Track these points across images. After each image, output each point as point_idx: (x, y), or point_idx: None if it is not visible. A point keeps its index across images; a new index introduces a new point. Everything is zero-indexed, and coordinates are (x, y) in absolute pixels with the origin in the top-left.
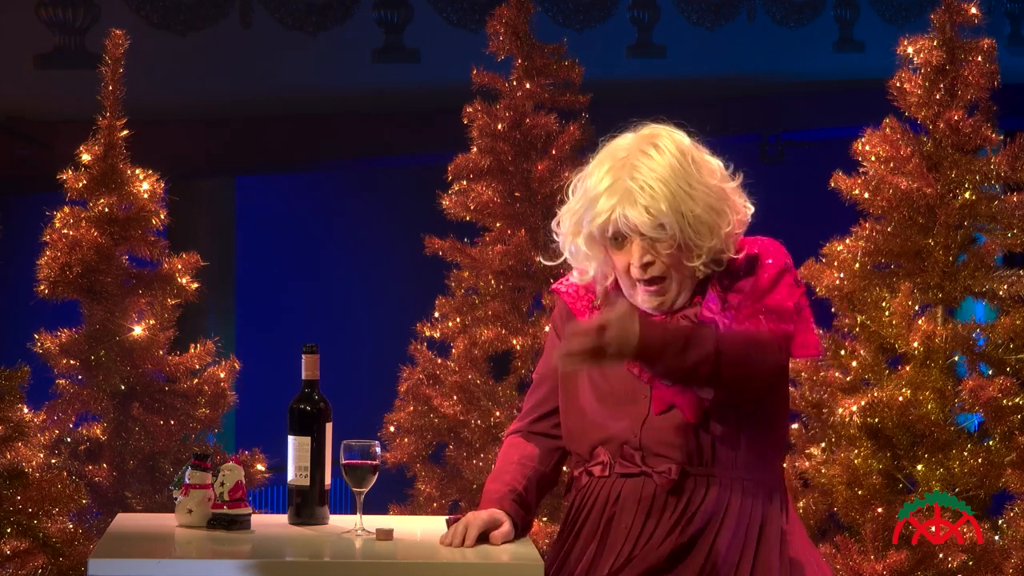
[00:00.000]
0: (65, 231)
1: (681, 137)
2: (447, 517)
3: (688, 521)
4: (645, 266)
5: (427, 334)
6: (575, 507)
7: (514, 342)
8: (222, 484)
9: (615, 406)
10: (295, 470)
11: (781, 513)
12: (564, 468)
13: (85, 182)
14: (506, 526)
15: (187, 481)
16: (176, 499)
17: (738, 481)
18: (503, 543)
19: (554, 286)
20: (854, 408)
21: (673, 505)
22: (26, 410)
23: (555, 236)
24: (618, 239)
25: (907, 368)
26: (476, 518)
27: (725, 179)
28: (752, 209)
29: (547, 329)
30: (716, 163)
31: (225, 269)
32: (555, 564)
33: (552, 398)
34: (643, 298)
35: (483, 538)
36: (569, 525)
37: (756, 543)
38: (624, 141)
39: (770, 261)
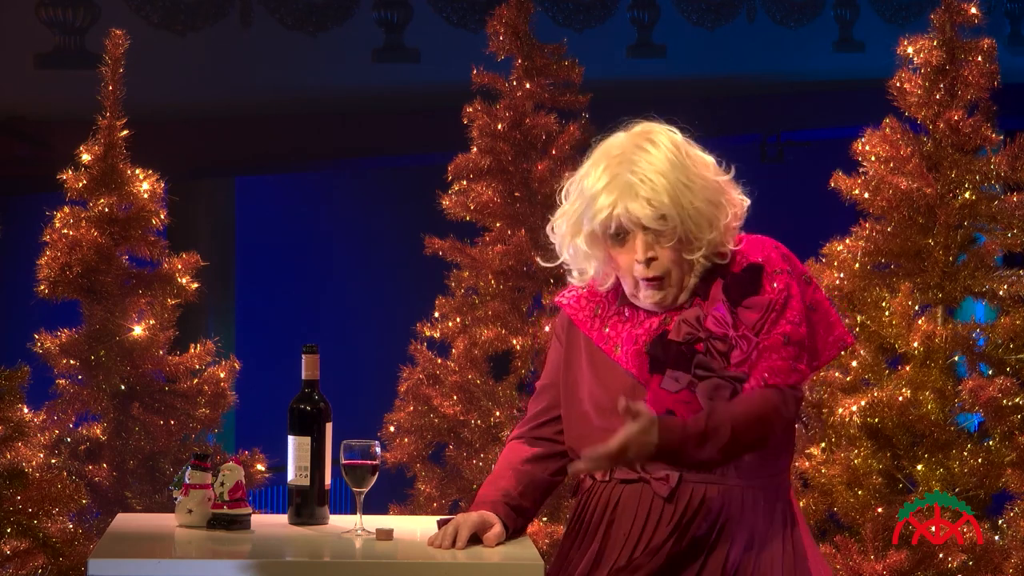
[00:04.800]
0: (65, 231)
1: (673, 133)
2: (437, 519)
3: (687, 527)
4: (649, 261)
5: (427, 334)
6: (578, 510)
7: (514, 342)
8: (222, 484)
9: (613, 415)
10: (295, 470)
11: (785, 519)
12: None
13: (85, 182)
14: (497, 527)
15: (187, 481)
16: (176, 499)
17: (738, 488)
18: (496, 545)
19: (556, 299)
20: (854, 408)
21: (671, 512)
22: (26, 410)
23: (551, 239)
24: (620, 235)
25: (907, 368)
26: (466, 519)
27: (719, 173)
28: (748, 201)
29: (547, 328)
30: (709, 158)
31: (225, 269)
32: (556, 565)
33: (555, 407)
34: (645, 295)
35: (474, 540)
36: (572, 528)
37: (758, 551)
38: (617, 139)
39: (776, 271)
